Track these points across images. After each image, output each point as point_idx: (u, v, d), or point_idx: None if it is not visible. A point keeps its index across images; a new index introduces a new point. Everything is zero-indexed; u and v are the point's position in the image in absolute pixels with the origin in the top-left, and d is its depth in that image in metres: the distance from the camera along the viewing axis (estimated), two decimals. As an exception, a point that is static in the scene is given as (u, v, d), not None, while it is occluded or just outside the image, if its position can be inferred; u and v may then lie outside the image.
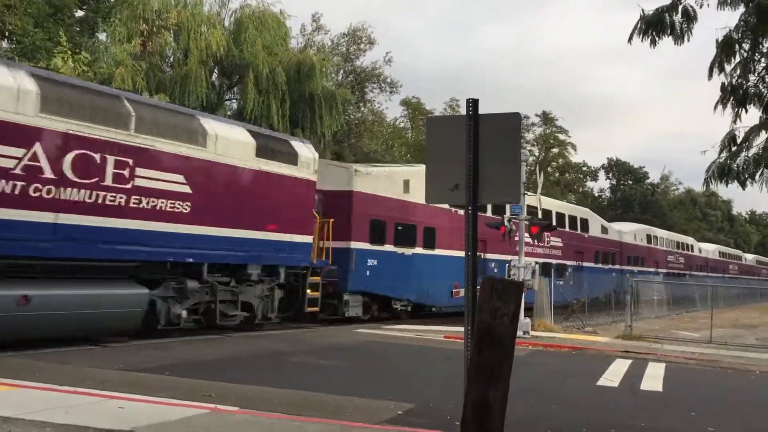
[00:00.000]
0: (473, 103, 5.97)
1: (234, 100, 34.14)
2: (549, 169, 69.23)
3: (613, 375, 13.74)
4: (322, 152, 28.01)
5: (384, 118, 51.50)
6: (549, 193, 54.06)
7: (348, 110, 41.86)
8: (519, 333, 18.93)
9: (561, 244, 34.31)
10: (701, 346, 20.33)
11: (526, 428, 8.08)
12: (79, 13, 32.97)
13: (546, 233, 27.94)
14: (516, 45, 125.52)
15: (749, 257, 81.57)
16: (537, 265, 22.31)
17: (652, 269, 44.86)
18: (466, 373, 4.93)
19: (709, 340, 21.39)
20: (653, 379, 13.50)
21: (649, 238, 46.45)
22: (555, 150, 72.40)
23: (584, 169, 78.63)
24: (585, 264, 36.83)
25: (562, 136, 70.97)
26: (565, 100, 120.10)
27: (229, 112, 33.11)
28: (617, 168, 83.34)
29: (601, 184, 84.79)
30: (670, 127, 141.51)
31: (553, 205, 35.14)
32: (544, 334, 20.90)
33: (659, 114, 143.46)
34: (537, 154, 68.28)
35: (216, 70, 33.78)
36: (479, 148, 5.80)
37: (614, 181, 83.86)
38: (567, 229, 35.10)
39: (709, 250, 63.19)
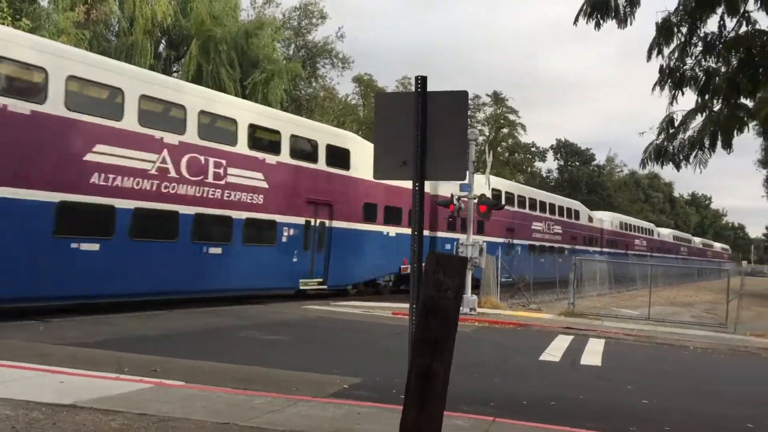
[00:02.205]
0: (422, 80, 5.99)
1: (181, 72, 33.48)
2: (499, 149, 69.94)
3: (555, 350, 14.12)
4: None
5: (336, 94, 51.16)
6: (498, 173, 54.77)
7: (299, 85, 41.41)
8: (466, 309, 19.22)
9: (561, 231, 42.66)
10: (639, 323, 21.04)
11: (469, 400, 8.26)
12: (19, -22, 31.70)
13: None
14: (473, 25, 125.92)
15: (696, 240, 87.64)
16: (484, 243, 22.49)
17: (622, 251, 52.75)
18: (411, 345, 5.01)
19: (647, 317, 22.15)
20: (593, 354, 13.93)
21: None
22: (505, 130, 73.11)
23: (533, 149, 79.61)
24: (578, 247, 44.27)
25: (512, 117, 71.74)
26: (518, 80, 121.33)
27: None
28: (565, 149, 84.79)
29: (549, 165, 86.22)
30: (618, 108, 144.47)
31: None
32: (490, 311, 21.28)
33: (608, 95, 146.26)
34: (487, 133, 68.86)
35: (163, 41, 33.03)
36: (427, 126, 5.85)
37: (562, 162, 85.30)
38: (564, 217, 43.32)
39: (665, 234, 70.00)
